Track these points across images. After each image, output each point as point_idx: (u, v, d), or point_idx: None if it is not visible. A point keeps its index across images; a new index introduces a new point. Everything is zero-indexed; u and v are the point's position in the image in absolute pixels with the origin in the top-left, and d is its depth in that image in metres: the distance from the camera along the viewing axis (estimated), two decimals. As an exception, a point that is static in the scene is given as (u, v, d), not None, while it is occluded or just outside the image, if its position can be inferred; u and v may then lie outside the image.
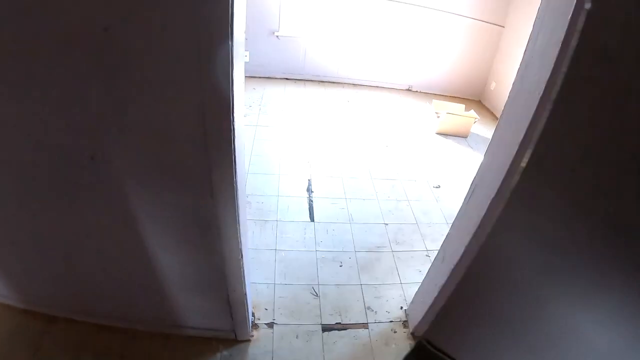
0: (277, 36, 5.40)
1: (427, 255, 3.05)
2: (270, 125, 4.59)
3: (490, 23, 5.68)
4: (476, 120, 4.91)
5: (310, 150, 4.24)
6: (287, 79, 5.81)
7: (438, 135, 4.93)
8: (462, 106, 5.26)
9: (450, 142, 4.82)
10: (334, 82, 5.92)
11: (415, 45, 5.80)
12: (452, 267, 1.85)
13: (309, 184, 3.67)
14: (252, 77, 5.57)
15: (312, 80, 5.87)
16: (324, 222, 3.26)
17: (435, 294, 2.02)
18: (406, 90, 6.17)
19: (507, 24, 5.66)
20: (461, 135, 4.98)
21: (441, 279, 1.96)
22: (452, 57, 5.94)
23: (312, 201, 3.46)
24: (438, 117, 5.01)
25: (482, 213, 1.60)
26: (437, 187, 3.90)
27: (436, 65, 6.02)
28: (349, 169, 4.01)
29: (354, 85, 5.98)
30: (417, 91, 6.19)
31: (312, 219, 3.27)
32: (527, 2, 5.15)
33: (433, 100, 5.21)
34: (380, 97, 5.83)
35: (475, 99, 6.38)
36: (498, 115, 6.19)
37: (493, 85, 6.02)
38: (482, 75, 6.17)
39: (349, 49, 5.72)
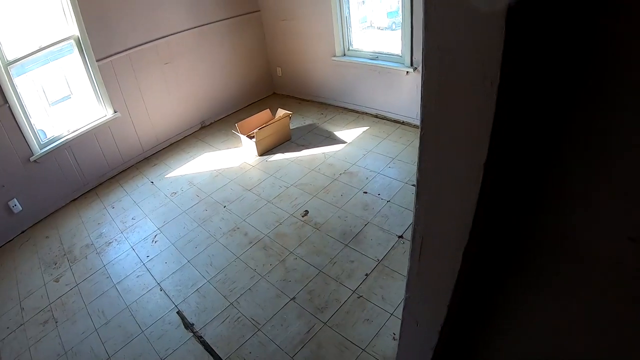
0: None
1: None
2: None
3: (246, 14, 5.76)
4: (290, 115, 4.80)
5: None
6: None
7: (263, 157, 4.71)
8: (267, 111, 5.08)
9: (279, 160, 4.64)
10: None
11: (195, 77, 5.48)
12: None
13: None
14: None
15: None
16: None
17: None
18: (201, 128, 5.77)
19: (262, 7, 5.83)
20: (285, 140, 4.87)
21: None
22: (228, 68, 5.80)
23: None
24: (250, 138, 4.69)
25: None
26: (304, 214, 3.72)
27: (218, 85, 5.79)
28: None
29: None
30: (211, 123, 5.86)
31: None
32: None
33: (236, 124, 4.86)
34: (179, 148, 5.39)
35: (269, 93, 6.49)
36: (298, 96, 6.15)
37: (279, 71, 6.19)
38: (265, 67, 6.26)
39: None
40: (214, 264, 3.36)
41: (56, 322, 3.27)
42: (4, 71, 3.97)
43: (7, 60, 4.02)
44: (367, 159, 4.27)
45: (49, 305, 3.46)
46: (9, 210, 4.33)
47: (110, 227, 4.13)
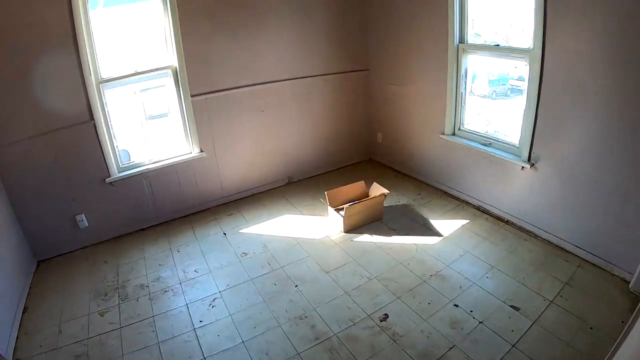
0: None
1: None
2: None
3: (354, 71, 5.49)
4: (386, 194, 4.37)
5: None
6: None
7: (349, 234, 4.27)
8: (361, 183, 4.67)
9: (366, 242, 4.17)
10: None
11: (288, 129, 5.27)
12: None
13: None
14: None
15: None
16: None
17: None
18: (287, 183, 5.50)
19: (372, 66, 5.52)
20: (375, 220, 4.43)
21: None
22: (325, 125, 5.53)
23: None
24: (337, 211, 4.35)
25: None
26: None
27: (312, 142, 5.51)
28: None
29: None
30: (298, 180, 5.55)
31: None
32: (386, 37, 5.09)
33: (325, 192, 4.46)
34: (259, 201, 5.11)
35: (365, 158, 6.09)
36: (396, 168, 5.74)
37: (380, 137, 5.80)
38: (365, 130, 5.90)
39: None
40: (270, 354, 2.96)
41: None
42: (95, 88, 3.98)
43: (101, 79, 4.04)
44: (463, 262, 3.76)
45: (86, 340, 3.24)
46: (75, 223, 4.31)
47: (171, 274, 3.89)
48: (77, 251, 4.39)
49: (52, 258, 4.32)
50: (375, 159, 6.07)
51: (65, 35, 3.73)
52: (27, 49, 3.63)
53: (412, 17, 4.67)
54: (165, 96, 4.61)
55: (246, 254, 4.03)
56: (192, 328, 3.21)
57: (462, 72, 4.34)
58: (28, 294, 3.85)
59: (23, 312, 3.64)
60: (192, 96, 4.43)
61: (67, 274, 4.02)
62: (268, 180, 5.30)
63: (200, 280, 3.73)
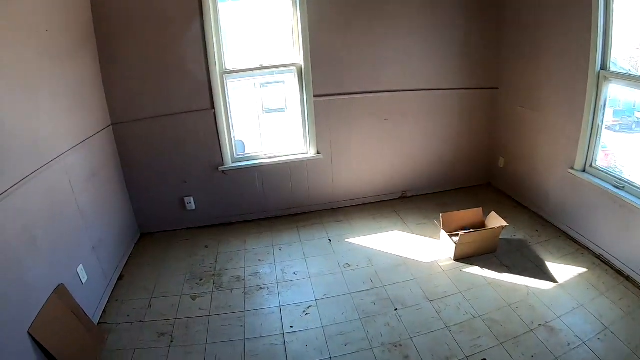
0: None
1: None
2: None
3: (482, 89, 4.93)
4: (504, 227, 3.84)
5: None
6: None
7: (459, 263, 3.80)
8: (478, 210, 4.18)
9: (475, 275, 3.66)
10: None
11: (407, 141, 4.87)
12: None
13: None
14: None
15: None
16: None
17: None
18: (400, 197, 5.09)
19: (502, 85, 4.91)
20: (488, 252, 3.91)
21: None
22: (446, 142, 5.03)
23: None
24: (451, 236, 3.88)
25: None
26: None
27: (431, 157, 5.05)
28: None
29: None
30: (412, 196, 5.13)
31: None
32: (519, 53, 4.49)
33: (440, 215, 4.02)
34: (369, 212, 4.77)
35: (484, 182, 5.47)
36: (516, 198, 5.04)
37: (501, 162, 5.15)
38: (486, 152, 5.30)
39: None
40: (357, 378, 2.63)
41: (171, 342, 2.99)
42: (218, 78, 4.00)
43: (225, 69, 4.05)
44: (575, 316, 3.17)
45: (173, 320, 3.20)
46: (183, 205, 4.41)
47: (269, 271, 3.75)
48: (180, 231, 4.47)
49: (156, 233, 4.43)
50: (494, 184, 5.48)
51: (194, 24, 3.82)
52: (156, 35, 3.80)
53: (550, 37, 4.12)
54: (285, 92, 4.55)
55: (349, 265, 3.76)
56: (281, 332, 3.02)
57: (602, 102, 3.70)
58: (126, 262, 3.93)
59: (118, 279, 3.70)
60: (314, 96, 4.28)
61: (167, 251, 4.07)
62: (381, 191, 5.00)
63: (297, 283, 3.54)
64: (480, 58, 4.77)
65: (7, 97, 2.48)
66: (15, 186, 2.44)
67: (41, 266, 2.65)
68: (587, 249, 3.98)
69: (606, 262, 3.77)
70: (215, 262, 3.90)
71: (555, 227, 4.38)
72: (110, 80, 3.85)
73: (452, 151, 5.11)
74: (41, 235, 2.69)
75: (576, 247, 4.03)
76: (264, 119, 6.45)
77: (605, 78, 3.60)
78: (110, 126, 3.96)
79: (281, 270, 3.72)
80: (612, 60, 3.58)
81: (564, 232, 4.27)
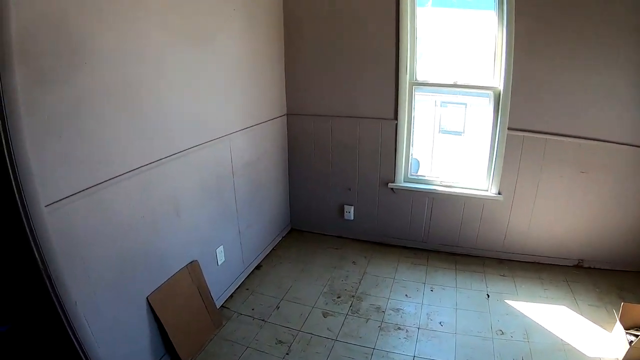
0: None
1: None
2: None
3: None
4: None
5: None
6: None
7: None
8: None
9: None
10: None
11: (599, 201, 3.92)
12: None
13: None
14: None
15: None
16: None
17: None
18: (575, 266, 4.16)
19: None
20: None
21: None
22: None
23: None
24: (627, 334, 2.99)
25: None
26: None
27: (621, 226, 3.97)
28: None
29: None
30: (589, 267, 4.16)
31: None
32: None
33: (622, 304, 3.12)
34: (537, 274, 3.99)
35: None
36: None
37: None
38: None
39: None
40: None
41: (287, 353, 2.87)
42: (407, 89, 3.73)
43: (416, 80, 3.77)
44: None
45: (297, 332, 3.07)
46: (342, 212, 4.32)
47: (413, 311, 3.39)
48: (332, 237, 4.35)
49: (306, 232, 4.37)
50: None
51: (387, 26, 3.61)
52: (345, 32, 3.75)
53: None
54: (465, 115, 4.08)
55: (503, 332, 3.20)
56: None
57: None
58: (268, 253, 3.88)
59: (256, 268, 3.67)
60: (509, 129, 3.74)
61: (312, 255, 3.98)
62: (555, 254, 4.23)
63: (441, 336, 3.11)
64: None
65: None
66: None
67: (180, 237, 2.75)
68: None
69: None
70: (359, 282, 3.66)
71: None
72: (289, 71, 4.00)
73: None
74: (189, 208, 2.81)
75: None
76: (440, 139, 6.01)
77: None
78: (285, 116, 4.03)
79: (427, 314, 3.33)
80: None
81: None
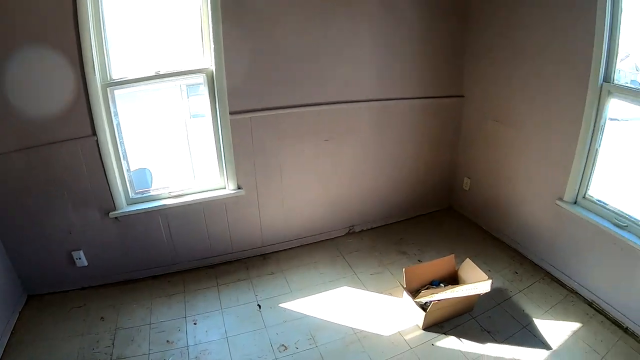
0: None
1: None
2: None
3: (443, 97, 4.16)
4: (489, 280, 3.04)
5: None
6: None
7: (429, 333, 2.99)
8: (450, 258, 3.39)
9: (451, 350, 2.88)
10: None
11: (354, 164, 4.02)
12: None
13: None
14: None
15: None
16: None
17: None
18: (347, 234, 4.24)
19: (467, 93, 4.21)
20: (463, 312, 3.17)
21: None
22: (400, 162, 4.23)
23: None
24: (415, 299, 3.06)
25: None
26: None
27: (382, 182, 4.22)
28: None
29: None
30: (361, 231, 4.30)
31: None
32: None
33: (403, 270, 3.18)
34: (310, 257, 3.91)
35: (444, 206, 4.77)
36: (484, 226, 4.22)
37: (467, 184, 4.46)
38: (447, 173, 4.60)
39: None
40: None
41: None
42: (100, 93, 2.94)
43: (110, 80, 3.00)
44: None
45: None
46: (71, 260, 3.38)
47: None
48: (74, 292, 3.46)
49: (45, 295, 3.41)
50: (456, 208, 4.74)
51: (62, 19, 2.69)
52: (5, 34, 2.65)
53: (531, 33, 3.41)
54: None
55: (286, 347, 2.84)
56: None
57: (602, 121, 3.02)
58: (7, 344, 2.91)
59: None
60: (231, 114, 3.30)
61: (54, 326, 3.07)
62: (324, 229, 4.12)
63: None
64: (443, 60, 4.02)
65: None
66: None
67: None
68: (577, 293, 3.38)
69: (600, 311, 3.17)
70: (112, 345, 2.91)
71: (537, 266, 3.74)
72: None
73: (408, 172, 4.34)
74: None
75: (564, 292, 3.40)
76: (168, 140, 5.28)
77: (609, 92, 2.87)
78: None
79: (195, 358, 2.75)
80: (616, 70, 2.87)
81: (549, 273, 3.63)
